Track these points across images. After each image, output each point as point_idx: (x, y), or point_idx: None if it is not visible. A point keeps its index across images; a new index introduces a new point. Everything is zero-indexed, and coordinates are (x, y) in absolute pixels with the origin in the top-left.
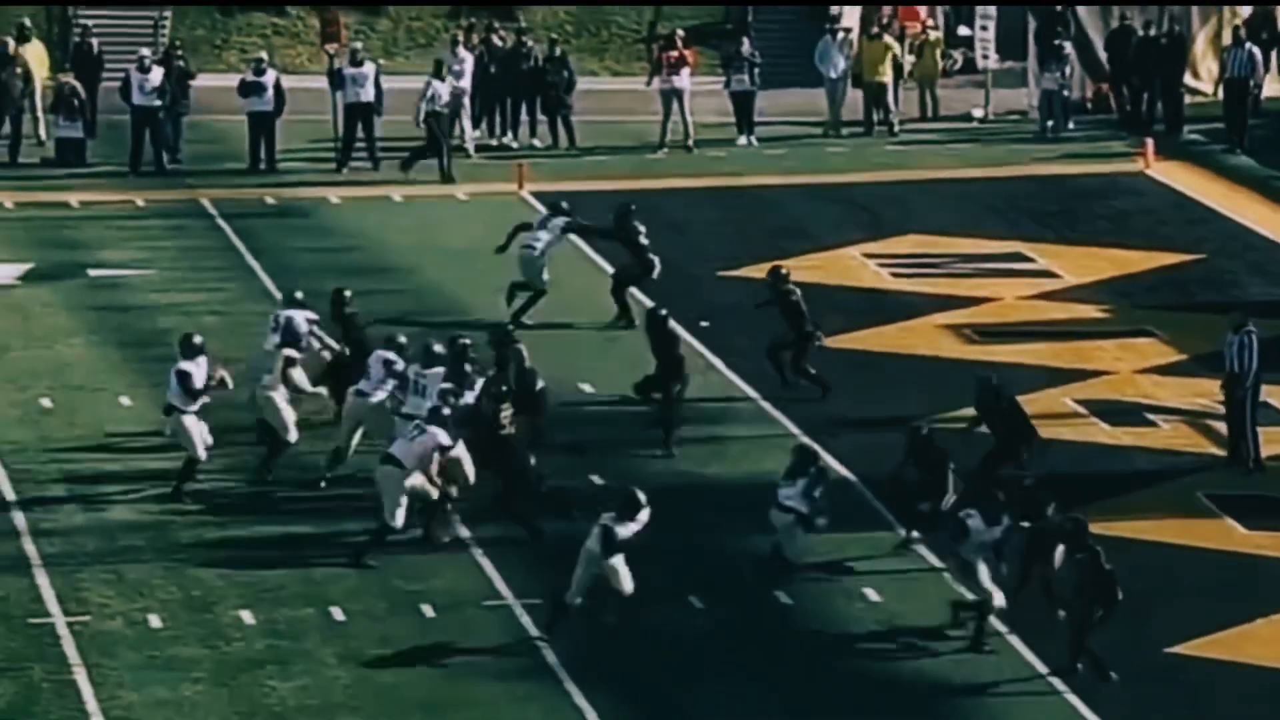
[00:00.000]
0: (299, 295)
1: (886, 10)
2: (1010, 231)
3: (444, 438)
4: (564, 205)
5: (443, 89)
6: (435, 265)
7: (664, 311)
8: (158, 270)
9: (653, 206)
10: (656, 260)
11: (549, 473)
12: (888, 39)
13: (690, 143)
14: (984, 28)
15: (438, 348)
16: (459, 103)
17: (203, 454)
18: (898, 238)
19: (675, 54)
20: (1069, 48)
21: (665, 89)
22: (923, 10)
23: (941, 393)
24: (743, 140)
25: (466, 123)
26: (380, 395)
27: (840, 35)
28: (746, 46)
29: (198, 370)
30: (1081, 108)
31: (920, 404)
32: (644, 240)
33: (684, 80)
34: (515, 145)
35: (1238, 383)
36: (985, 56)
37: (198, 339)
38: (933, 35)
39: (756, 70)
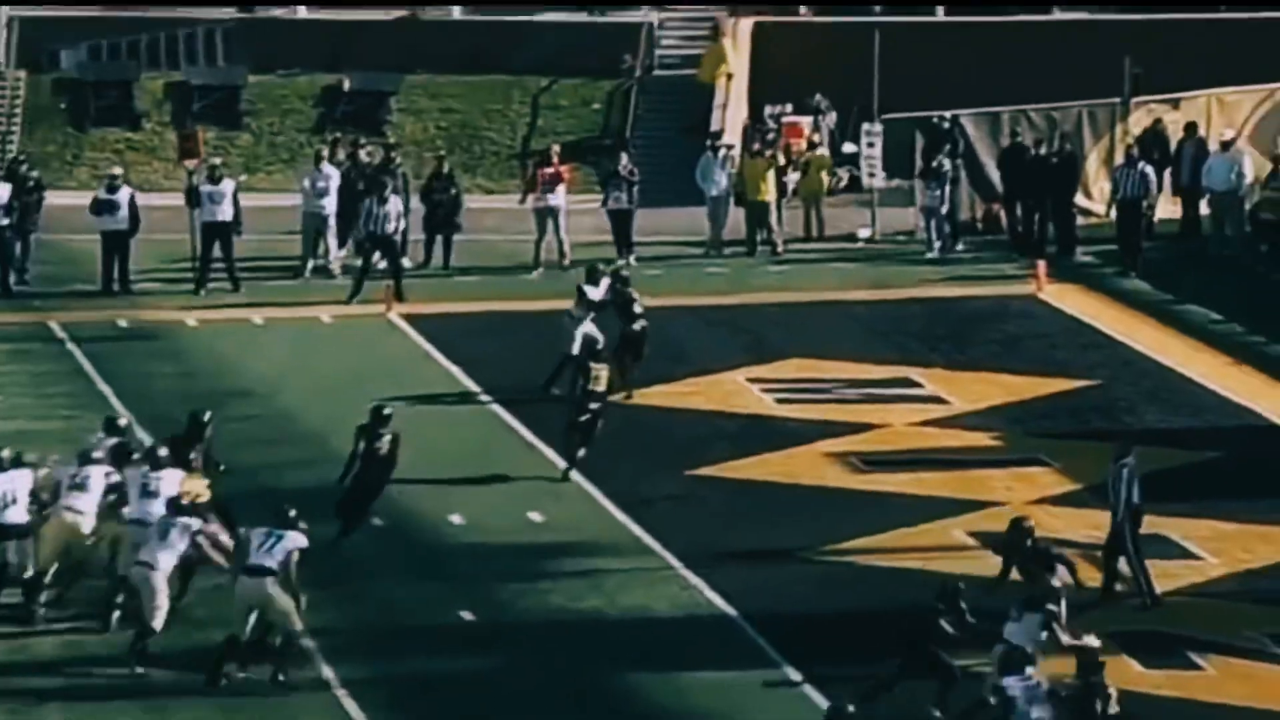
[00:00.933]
0: (122, 422)
1: (770, 127)
2: (898, 355)
3: (303, 540)
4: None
5: (390, 208)
6: (297, 391)
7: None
8: (2, 397)
9: (526, 328)
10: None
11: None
12: (771, 156)
13: (566, 262)
14: (870, 144)
15: (163, 451)
16: (323, 221)
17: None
18: (782, 361)
19: (551, 170)
20: (948, 165)
21: (540, 207)
22: (807, 126)
23: (828, 523)
24: (621, 260)
25: (332, 241)
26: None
27: (722, 152)
28: (625, 163)
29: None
30: (971, 228)
31: (806, 535)
32: (637, 309)
33: (559, 198)
34: (383, 265)
35: (1114, 514)
36: (872, 174)
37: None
38: (818, 152)
39: (635, 188)
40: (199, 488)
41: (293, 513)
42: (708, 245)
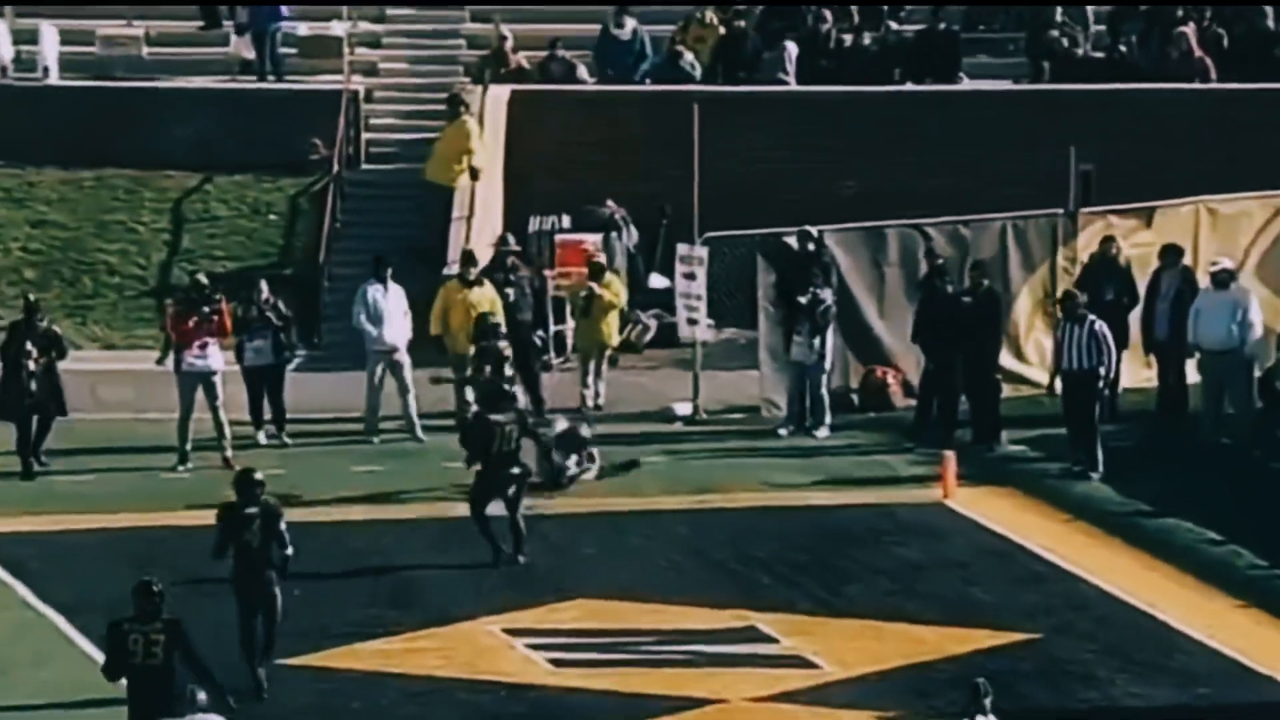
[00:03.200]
0: None
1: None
2: (738, 594)
3: None
4: None
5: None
6: None
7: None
8: None
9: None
10: None
11: None
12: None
13: (228, 451)
14: (690, 275)
15: None
16: None
17: None
18: (558, 604)
19: (203, 314)
20: (829, 298)
21: (189, 370)
22: (593, 245)
23: None
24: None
25: None
26: None
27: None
28: (265, 295)
29: None
30: (845, 401)
31: None
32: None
33: (216, 357)
34: None
35: None
36: (693, 320)
37: None
38: (609, 286)
39: (285, 333)
40: None
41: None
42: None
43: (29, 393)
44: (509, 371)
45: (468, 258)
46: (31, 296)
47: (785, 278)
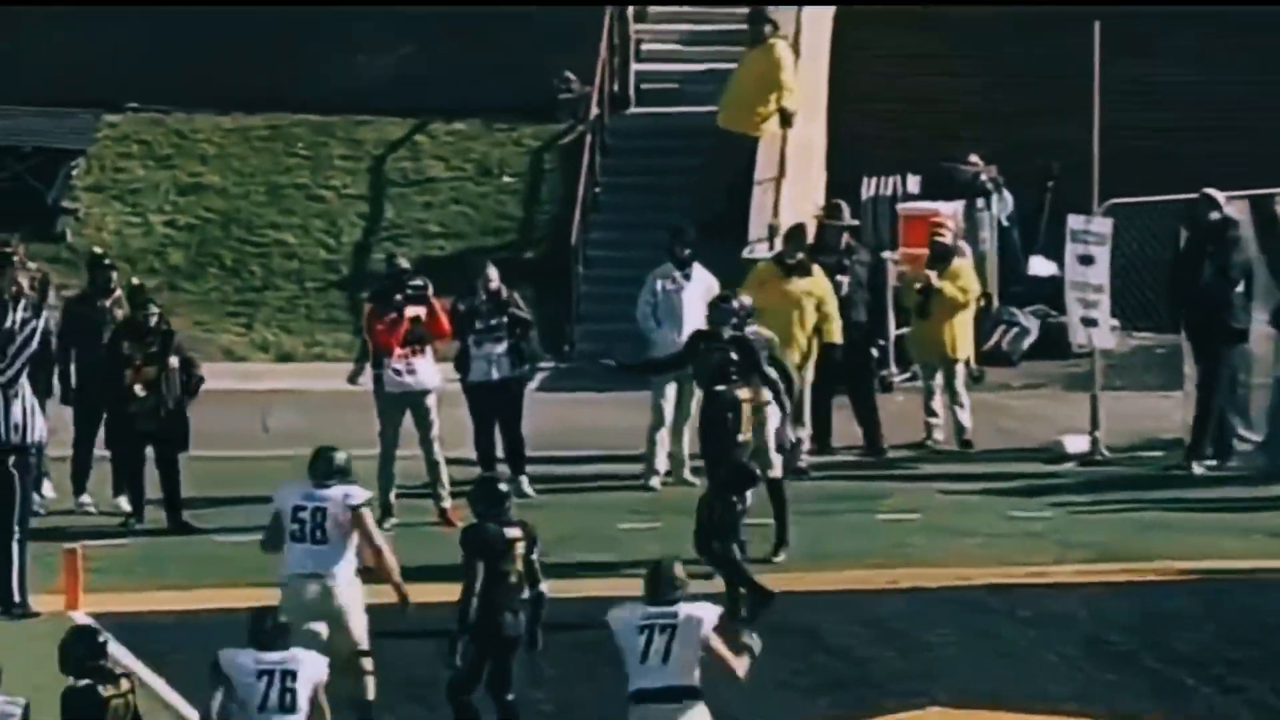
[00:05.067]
0: None
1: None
2: (1151, 701)
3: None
4: None
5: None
6: None
7: None
8: None
9: None
10: None
11: None
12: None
13: (445, 503)
14: (1086, 259)
15: None
16: None
17: None
18: (902, 715)
19: (411, 316)
20: None
21: (393, 391)
22: (951, 218)
23: None
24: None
25: None
26: None
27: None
28: (493, 281)
29: None
30: None
31: None
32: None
33: (429, 372)
34: None
35: None
36: (1090, 322)
37: None
38: (957, 276)
39: (528, 341)
40: None
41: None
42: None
43: (135, 417)
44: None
45: (795, 235)
46: (135, 281)
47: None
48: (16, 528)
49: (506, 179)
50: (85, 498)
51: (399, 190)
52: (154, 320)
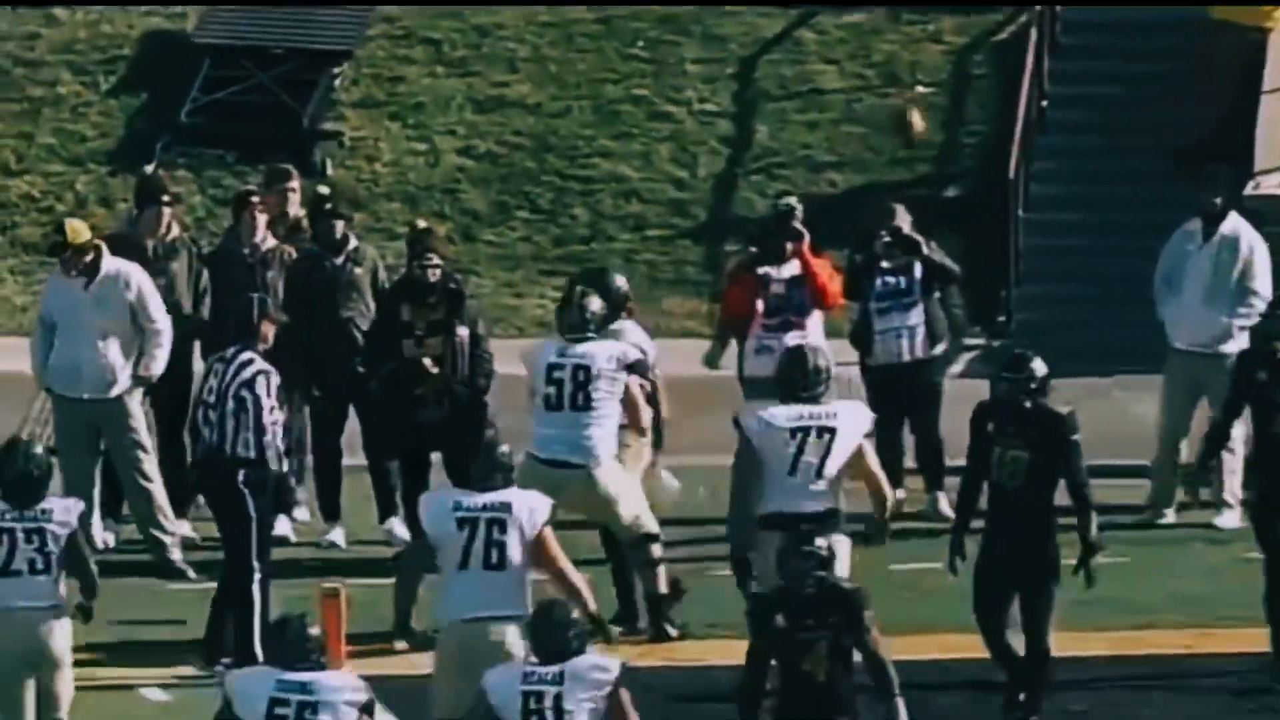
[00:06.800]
0: None
1: None
2: None
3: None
4: None
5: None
6: None
7: None
8: None
9: None
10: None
11: None
12: None
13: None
14: None
15: None
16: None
17: None
18: None
19: (786, 278)
20: None
21: (759, 375)
22: None
23: None
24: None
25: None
26: None
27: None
28: (902, 223)
29: None
30: None
31: None
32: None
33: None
34: None
35: None
36: None
37: None
38: None
39: (951, 313)
40: None
41: None
42: (1154, 498)
43: (418, 404)
44: None
45: None
46: (421, 224)
47: None
48: (256, 564)
49: (921, 88)
50: (337, 531)
51: (774, 105)
52: (435, 276)
